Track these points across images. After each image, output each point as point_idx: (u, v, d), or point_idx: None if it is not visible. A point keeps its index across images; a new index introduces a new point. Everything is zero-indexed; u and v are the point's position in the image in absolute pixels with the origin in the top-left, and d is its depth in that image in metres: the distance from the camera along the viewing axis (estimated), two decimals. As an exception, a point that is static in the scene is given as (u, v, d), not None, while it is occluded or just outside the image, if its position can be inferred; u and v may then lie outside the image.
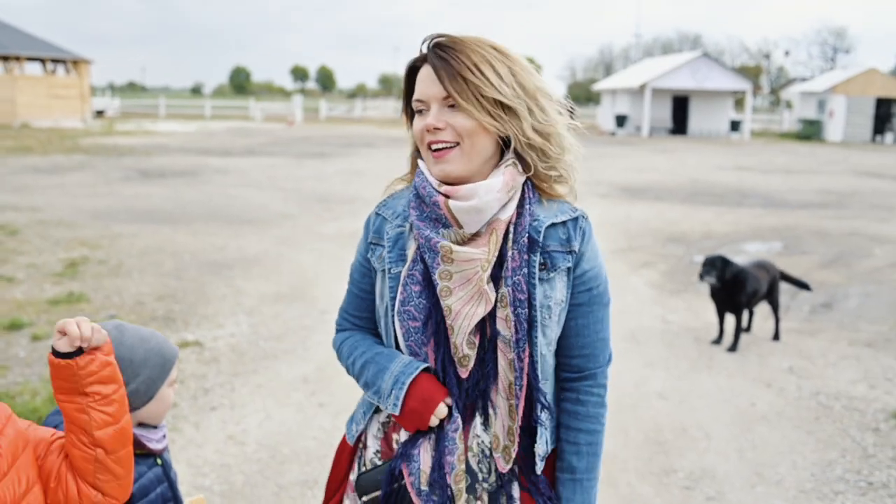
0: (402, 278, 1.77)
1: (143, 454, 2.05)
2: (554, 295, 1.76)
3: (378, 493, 1.81)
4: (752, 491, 4.18)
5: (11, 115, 34.71)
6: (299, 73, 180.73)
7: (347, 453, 1.99)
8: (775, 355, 6.46)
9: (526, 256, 1.73)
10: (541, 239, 1.74)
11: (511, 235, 1.73)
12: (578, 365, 1.86)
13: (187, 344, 6.22)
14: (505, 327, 1.72)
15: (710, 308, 7.42)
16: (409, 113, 1.83)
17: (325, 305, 7.38)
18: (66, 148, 24.28)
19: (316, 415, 5.01)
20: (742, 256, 9.76)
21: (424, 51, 1.77)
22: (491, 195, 1.70)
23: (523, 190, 1.78)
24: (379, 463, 1.87)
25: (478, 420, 1.80)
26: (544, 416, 1.79)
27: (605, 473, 4.28)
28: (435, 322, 1.76)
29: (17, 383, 5.28)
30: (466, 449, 1.79)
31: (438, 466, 1.76)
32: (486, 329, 1.76)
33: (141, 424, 2.07)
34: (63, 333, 1.65)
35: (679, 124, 44.05)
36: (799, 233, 12.41)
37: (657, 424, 5.02)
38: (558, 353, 1.86)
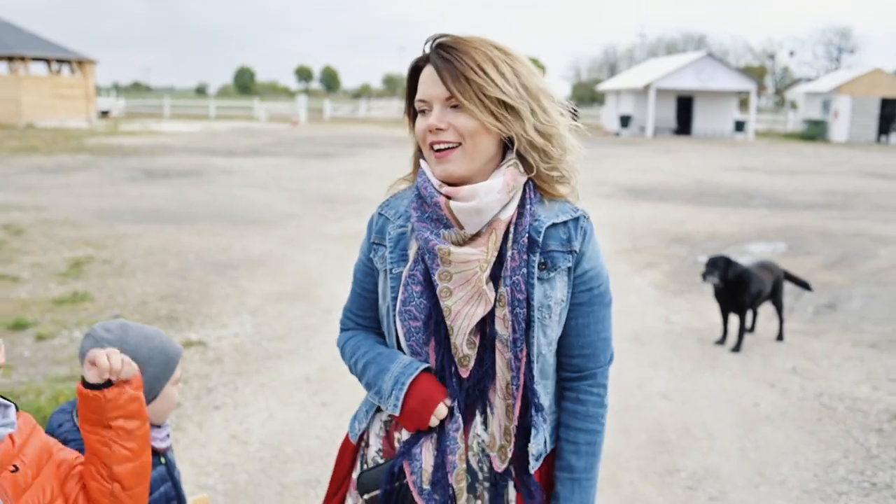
0: (403, 278, 1.78)
1: (147, 453, 2.06)
2: (554, 294, 1.77)
3: (378, 491, 1.82)
4: (754, 491, 4.18)
5: (16, 115, 34.78)
6: (304, 74, 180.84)
7: (350, 451, 2.00)
8: (779, 356, 6.46)
9: (525, 256, 1.73)
10: (540, 239, 1.75)
11: (511, 235, 1.74)
12: (579, 364, 1.86)
13: (191, 344, 6.24)
14: (503, 327, 1.73)
15: (713, 308, 7.42)
16: (412, 113, 1.84)
17: (329, 305, 7.39)
18: (70, 148, 24.34)
19: (319, 414, 5.02)
20: (746, 257, 9.74)
21: (427, 51, 1.77)
22: (491, 196, 1.70)
23: (524, 190, 1.78)
24: (381, 461, 1.88)
25: (478, 419, 1.80)
26: (539, 418, 1.80)
27: (607, 473, 4.29)
28: (435, 322, 1.76)
29: (22, 383, 5.29)
30: (467, 448, 1.80)
31: (440, 465, 1.76)
32: (486, 329, 1.76)
33: (145, 423, 2.08)
34: (93, 364, 1.64)
35: (683, 125, 43.99)
36: (803, 233, 12.39)
37: (660, 424, 5.02)
38: (559, 353, 1.86)
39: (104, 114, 46.58)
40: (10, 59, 35.71)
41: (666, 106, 43.35)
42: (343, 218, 12.66)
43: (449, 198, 1.72)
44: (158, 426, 2.12)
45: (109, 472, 1.70)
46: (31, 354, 5.90)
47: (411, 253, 1.79)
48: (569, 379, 1.88)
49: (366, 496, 1.84)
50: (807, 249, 11.10)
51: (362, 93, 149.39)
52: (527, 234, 1.74)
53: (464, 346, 1.75)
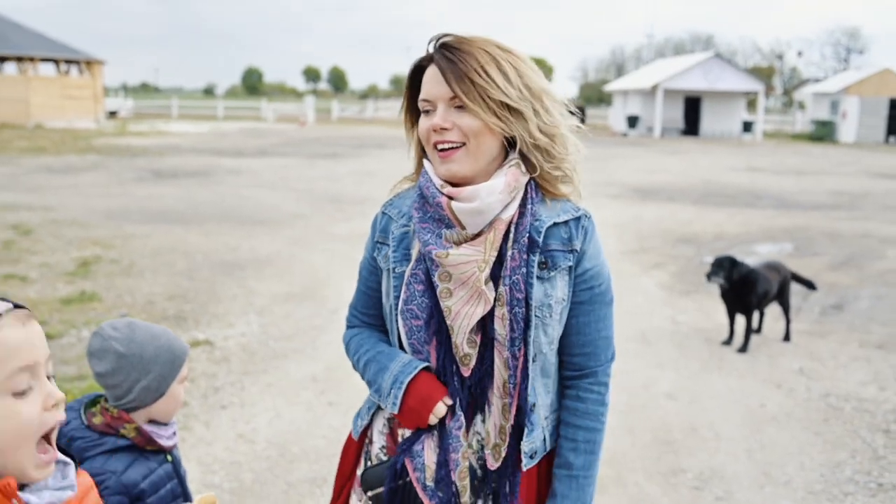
0: (405, 278, 1.79)
1: (154, 450, 2.08)
2: (555, 293, 1.78)
3: (382, 488, 1.83)
4: (760, 491, 4.18)
5: (25, 116, 34.91)
6: (311, 74, 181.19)
7: (353, 449, 2.01)
8: (786, 356, 6.45)
9: (525, 256, 1.74)
10: (541, 239, 1.75)
11: (512, 235, 1.74)
12: (579, 363, 1.87)
13: (198, 343, 6.26)
14: (501, 326, 1.74)
15: (720, 309, 7.41)
16: (410, 112, 1.85)
17: (336, 305, 7.40)
18: (79, 148, 24.43)
19: (325, 413, 5.04)
20: (753, 258, 9.73)
21: (431, 50, 1.77)
22: (493, 197, 1.71)
23: (526, 190, 1.79)
24: (384, 458, 1.90)
25: (478, 417, 1.82)
26: (534, 416, 1.80)
27: (613, 473, 4.30)
28: (437, 321, 1.77)
29: (31, 381, 5.31)
30: (469, 446, 1.81)
31: (443, 463, 1.78)
32: (486, 328, 1.77)
33: (152, 421, 2.10)
34: None
35: (691, 125, 43.91)
36: (811, 234, 12.37)
37: (666, 424, 5.02)
38: (560, 351, 1.87)
39: (112, 114, 46.73)
40: (19, 59, 35.85)
41: (673, 106, 43.28)
42: (351, 218, 12.68)
43: (451, 198, 1.73)
44: (165, 424, 2.13)
45: None
46: (40, 353, 5.92)
47: (414, 252, 1.80)
48: (570, 377, 1.88)
49: (369, 493, 1.86)
50: (814, 250, 11.07)
51: (370, 93, 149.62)
52: (527, 234, 1.75)
53: (465, 345, 1.76)
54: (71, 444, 1.97)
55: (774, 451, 4.67)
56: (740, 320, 6.92)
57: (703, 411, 5.25)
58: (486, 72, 1.69)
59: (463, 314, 1.74)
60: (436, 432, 1.80)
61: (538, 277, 1.75)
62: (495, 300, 1.73)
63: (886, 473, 4.42)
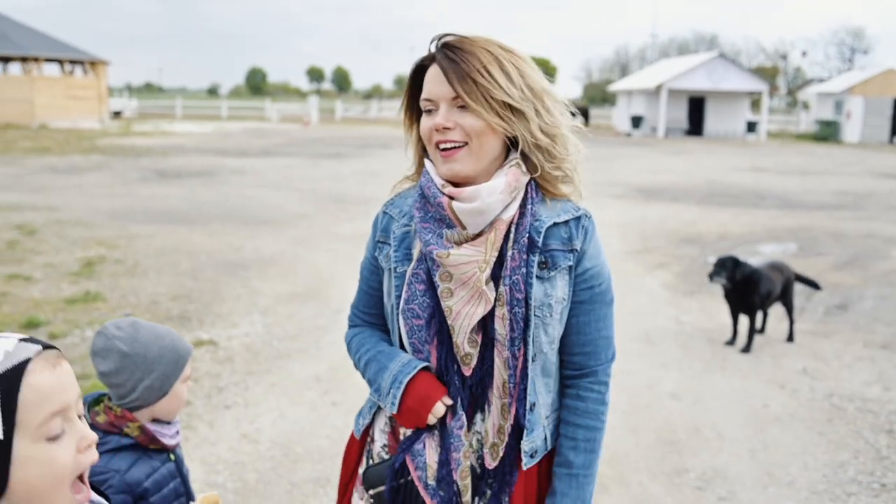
0: (406, 277, 1.80)
1: (158, 449, 2.09)
2: (555, 293, 1.78)
3: (384, 487, 1.84)
4: (763, 491, 4.18)
5: (30, 116, 34.99)
6: (315, 74, 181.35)
7: (356, 448, 2.02)
8: (789, 356, 6.45)
9: (525, 256, 1.74)
10: (541, 239, 1.76)
11: (512, 235, 1.75)
12: (580, 362, 1.87)
13: (202, 343, 6.27)
14: (501, 326, 1.74)
15: (724, 309, 7.41)
16: (409, 110, 1.86)
17: (340, 305, 7.41)
18: (83, 148, 24.47)
19: (329, 413, 5.04)
20: (757, 258, 9.72)
21: (433, 50, 1.78)
22: (494, 197, 1.72)
23: (526, 190, 1.79)
24: (386, 457, 1.90)
25: (478, 417, 1.82)
26: (533, 415, 1.81)
27: (616, 473, 4.30)
28: (438, 321, 1.78)
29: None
30: (470, 445, 1.82)
31: (444, 462, 1.78)
32: (487, 328, 1.78)
33: (155, 420, 2.10)
34: None
35: (695, 125, 43.84)
36: (815, 234, 12.35)
37: (670, 424, 5.02)
38: (561, 351, 1.87)
39: (116, 114, 46.81)
40: (24, 59, 35.93)
41: (677, 106, 43.22)
42: (354, 218, 12.69)
43: (452, 198, 1.74)
44: (168, 423, 2.14)
45: None
46: (44, 353, 5.93)
47: (415, 252, 1.80)
48: (570, 376, 1.89)
49: (371, 492, 1.86)
50: (818, 250, 11.06)
51: (373, 93, 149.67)
52: (527, 234, 1.75)
53: (466, 344, 1.76)
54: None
55: (778, 451, 4.67)
56: (744, 320, 6.91)
57: (707, 411, 5.25)
58: (488, 72, 1.69)
59: (464, 314, 1.74)
60: (437, 431, 1.81)
61: (538, 277, 1.76)
62: (495, 300, 1.73)
63: (890, 474, 4.41)
